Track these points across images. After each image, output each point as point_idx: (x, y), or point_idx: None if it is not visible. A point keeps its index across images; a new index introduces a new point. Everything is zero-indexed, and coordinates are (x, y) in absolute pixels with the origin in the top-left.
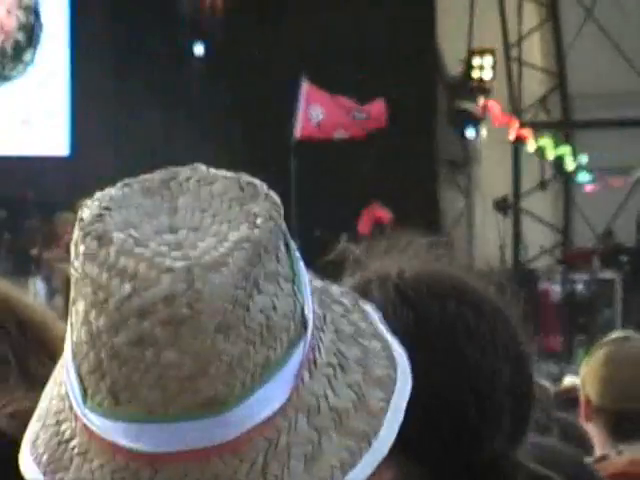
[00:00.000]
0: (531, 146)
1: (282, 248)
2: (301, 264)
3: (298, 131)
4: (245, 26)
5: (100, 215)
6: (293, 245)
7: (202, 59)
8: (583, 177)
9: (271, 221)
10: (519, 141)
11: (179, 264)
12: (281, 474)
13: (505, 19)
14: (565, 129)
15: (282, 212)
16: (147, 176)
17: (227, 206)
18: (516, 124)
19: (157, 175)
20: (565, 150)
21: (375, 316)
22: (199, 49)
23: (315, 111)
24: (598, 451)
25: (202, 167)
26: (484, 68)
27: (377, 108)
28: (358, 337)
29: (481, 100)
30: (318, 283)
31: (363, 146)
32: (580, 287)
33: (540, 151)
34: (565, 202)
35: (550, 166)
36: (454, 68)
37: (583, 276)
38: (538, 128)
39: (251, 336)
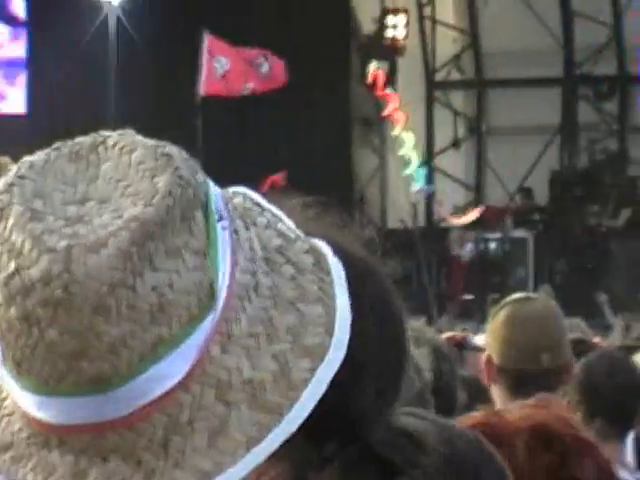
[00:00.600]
0: (397, 130)
1: (198, 219)
2: (223, 233)
3: (202, 88)
4: None
5: (11, 185)
6: (219, 213)
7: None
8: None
9: (170, 197)
10: (388, 119)
11: (61, 244)
12: (183, 448)
13: None
14: (477, 88)
15: (195, 182)
16: (80, 139)
17: (139, 177)
18: (395, 101)
19: (88, 139)
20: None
21: (337, 276)
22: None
23: (219, 63)
24: None
25: (130, 133)
26: (397, 27)
27: (278, 67)
28: (299, 302)
29: (371, 68)
30: (276, 241)
31: (276, 104)
32: (493, 246)
33: (400, 140)
34: (478, 160)
35: (463, 125)
36: (367, 27)
37: (496, 235)
38: (451, 87)
39: (138, 316)
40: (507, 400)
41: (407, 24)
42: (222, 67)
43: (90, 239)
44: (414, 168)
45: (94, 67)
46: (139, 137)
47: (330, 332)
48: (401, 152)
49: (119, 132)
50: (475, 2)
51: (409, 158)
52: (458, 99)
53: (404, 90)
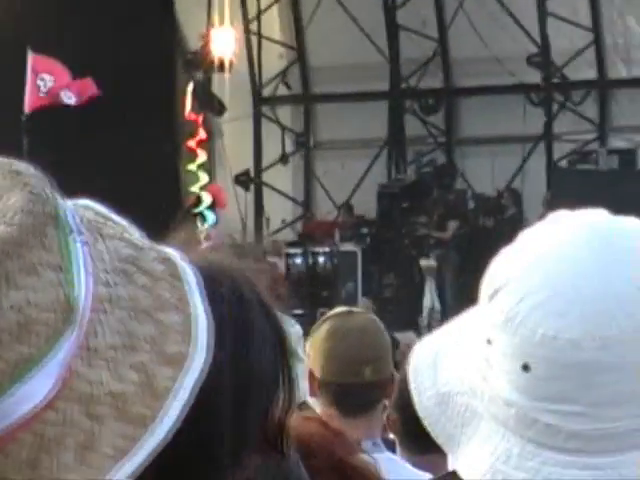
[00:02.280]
0: (192, 166)
1: (51, 234)
2: (76, 247)
3: (27, 106)
4: None
5: None
6: (71, 227)
7: None
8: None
9: (22, 214)
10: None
11: None
12: (52, 466)
13: None
14: (304, 103)
15: (46, 197)
16: None
17: None
18: (201, 134)
19: None
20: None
21: (191, 283)
22: None
23: (43, 80)
24: None
25: None
26: (224, 43)
27: (86, 84)
28: (155, 311)
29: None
30: (127, 251)
31: (101, 119)
32: (322, 260)
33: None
34: (306, 175)
35: (291, 140)
36: (194, 43)
37: (325, 249)
38: (278, 102)
39: None
40: (332, 415)
41: (234, 40)
42: (46, 84)
43: None
44: (203, 207)
45: None
46: None
47: (188, 340)
48: (193, 189)
49: None
50: (301, 17)
51: (201, 196)
52: (285, 114)
53: (231, 106)
